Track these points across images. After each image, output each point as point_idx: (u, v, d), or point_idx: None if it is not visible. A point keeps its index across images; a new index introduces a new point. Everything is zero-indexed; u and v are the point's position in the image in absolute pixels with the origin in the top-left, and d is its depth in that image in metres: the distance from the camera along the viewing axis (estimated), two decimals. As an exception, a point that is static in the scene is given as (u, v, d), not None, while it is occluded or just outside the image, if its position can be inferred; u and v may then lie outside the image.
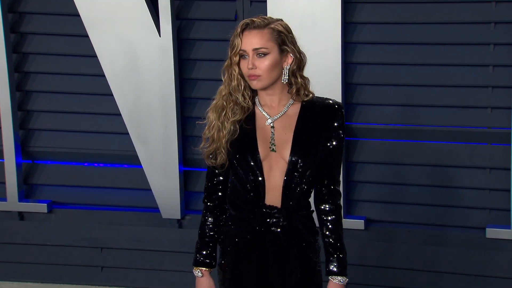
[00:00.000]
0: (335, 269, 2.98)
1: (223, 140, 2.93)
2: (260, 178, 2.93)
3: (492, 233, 4.49)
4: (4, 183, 5.01)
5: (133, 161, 4.87)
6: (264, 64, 2.87)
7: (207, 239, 3.07)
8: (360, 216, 4.68)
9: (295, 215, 2.97)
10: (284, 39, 2.89)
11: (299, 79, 2.93)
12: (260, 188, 2.93)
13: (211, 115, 2.97)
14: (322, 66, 4.40)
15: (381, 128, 4.60)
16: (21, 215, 5.10)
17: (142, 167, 4.82)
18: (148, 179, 4.82)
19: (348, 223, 4.48)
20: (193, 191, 4.90)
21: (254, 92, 2.97)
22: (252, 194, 2.95)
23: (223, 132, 2.94)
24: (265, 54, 2.87)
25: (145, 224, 4.97)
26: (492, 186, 4.49)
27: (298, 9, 4.41)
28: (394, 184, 4.63)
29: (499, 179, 4.47)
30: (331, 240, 2.98)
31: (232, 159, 2.95)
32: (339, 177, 3.01)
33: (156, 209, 4.90)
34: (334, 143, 2.96)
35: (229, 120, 2.93)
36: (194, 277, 3.12)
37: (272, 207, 2.95)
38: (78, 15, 4.70)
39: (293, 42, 2.92)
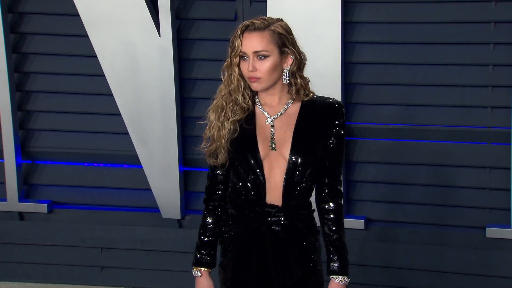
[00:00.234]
0: (336, 269, 2.98)
1: (223, 140, 2.94)
2: (260, 177, 2.93)
3: (492, 232, 4.48)
4: (4, 183, 5.00)
5: (133, 161, 4.87)
6: (264, 66, 2.87)
7: (207, 239, 3.07)
8: (360, 215, 4.68)
9: (295, 214, 2.97)
10: (284, 41, 2.89)
11: (299, 80, 2.94)
12: (260, 187, 2.94)
13: (211, 115, 2.97)
14: (321, 66, 4.40)
15: (381, 127, 4.60)
16: (21, 215, 5.09)
17: (142, 167, 4.82)
18: (148, 179, 4.82)
19: (348, 223, 4.48)
20: (193, 191, 4.90)
21: (254, 92, 2.97)
22: (252, 193, 2.95)
23: (223, 132, 2.94)
24: (265, 57, 2.87)
25: (145, 224, 4.97)
26: (492, 185, 4.49)
27: (298, 9, 4.41)
28: (394, 184, 4.63)
29: (499, 179, 4.47)
30: (332, 239, 2.98)
31: (232, 158, 2.96)
32: (340, 176, 3.00)
33: (156, 209, 4.90)
34: (334, 141, 2.96)
35: (229, 119, 2.94)
36: (194, 277, 3.12)
37: (272, 206, 2.95)
38: (78, 15, 4.69)
39: (293, 43, 2.92)
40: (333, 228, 2.99)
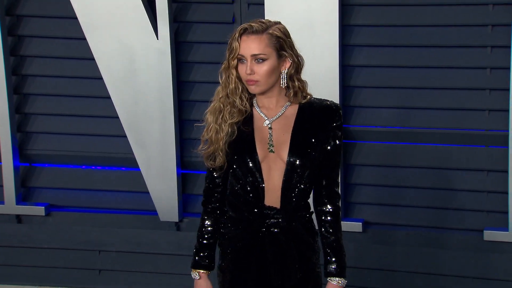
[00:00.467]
0: (333, 271, 2.98)
1: (221, 142, 2.94)
2: (259, 179, 2.93)
3: (490, 235, 4.49)
4: (1, 186, 5.00)
5: (131, 163, 4.87)
6: (262, 69, 2.88)
7: (205, 242, 3.08)
8: (358, 218, 4.68)
9: (294, 216, 2.97)
10: (282, 44, 2.89)
11: (296, 82, 2.95)
12: (259, 189, 2.94)
13: (209, 117, 2.98)
14: (319, 68, 4.40)
15: (378, 130, 4.61)
16: (18, 218, 5.09)
17: (140, 169, 4.82)
18: (146, 182, 4.82)
19: (346, 226, 4.48)
20: (191, 194, 4.90)
21: (251, 94, 2.98)
22: (251, 195, 2.95)
23: (221, 134, 2.94)
24: (263, 60, 2.88)
25: (143, 227, 4.97)
26: (490, 188, 4.50)
27: (296, 12, 4.42)
28: (392, 187, 4.64)
29: (496, 181, 4.47)
30: (330, 241, 2.99)
31: (230, 161, 2.96)
32: (338, 178, 3.01)
33: (154, 212, 4.90)
34: (332, 144, 2.96)
35: (226, 122, 2.94)
36: (192, 280, 3.12)
37: (271, 208, 2.96)
38: (76, 18, 4.69)
39: (291, 46, 2.92)
40: (331, 230, 3.00)
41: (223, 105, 2.95)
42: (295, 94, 2.96)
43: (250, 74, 2.87)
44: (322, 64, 4.43)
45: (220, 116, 2.95)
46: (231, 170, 2.98)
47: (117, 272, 5.01)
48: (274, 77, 2.91)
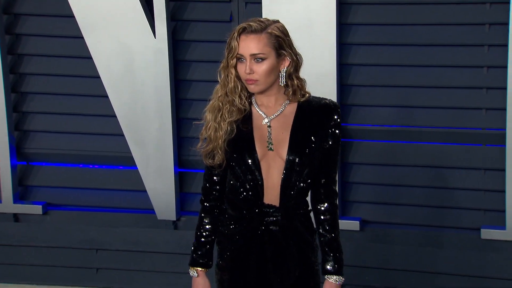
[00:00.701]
0: (331, 269, 2.99)
1: (220, 141, 2.95)
2: (258, 177, 2.94)
3: (487, 234, 4.49)
4: (-1, 184, 5.01)
5: (128, 162, 4.87)
6: (261, 69, 2.88)
7: (203, 239, 3.08)
8: (355, 217, 4.68)
9: (293, 214, 2.98)
10: (281, 43, 2.90)
11: (295, 81, 2.95)
12: (258, 187, 2.94)
13: (208, 116, 2.98)
14: (317, 67, 4.40)
15: (376, 129, 4.61)
16: (16, 216, 5.09)
17: (137, 168, 4.82)
18: (143, 181, 4.82)
19: (343, 224, 4.47)
20: (188, 193, 4.90)
21: (250, 93, 2.98)
22: (250, 193, 2.96)
23: (220, 133, 2.95)
24: (262, 59, 2.88)
25: (140, 226, 4.97)
26: (487, 187, 4.50)
27: (293, 11, 4.42)
28: (389, 185, 4.64)
29: (493, 180, 4.48)
30: (327, 239, 3.00)
31: (230, 159, 2.96)
32: (336, 176, 3.02)
33: (151, 211, 4.90)
34: (330, 142, 2.97)
35: (225, 120, 2.95)
36: (189, 279, 3.13)
37: (270, 206, 2.96)
38: (73, 17, 4.69)
39: (290, 45, 2.93)
40: (328, 228, 3.01)
41: (222, 104, 2.95)
42: (294, 92, 2.96)
43: (249, 73, 2.88)
44: (319, 62, 4.43)
45: (219, 115, 2.95)
46: (230, 168, 2.99)
47: (115, 271, 5.01)
48: (273, 76, 2.91)
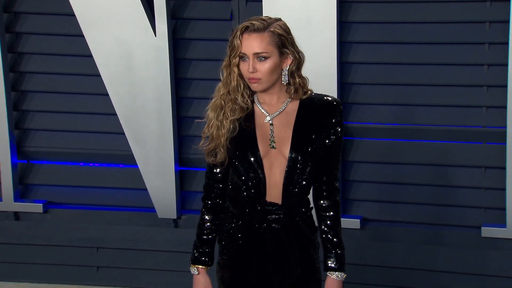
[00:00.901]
0: (333, 265, 2.99)
1: (223, 139, 2.95)
2: (261, 175, 2.94)
3: (487, 232, 4.50)
4: (-1, 183, 5.01)
5: (129, 161, 4.87)
6: (264, 67, 2.88)
7: (205, 237, 3.08)
8: (356, 215, 4.68)
9: (295, 211, 2.98)
10: (284, 41, 2.90)
11: (297, 79, 2.95)
12: (261, 185, 2.94)
13: (210, 114, 2.98)
14: (317, 65, 4.40)
15: (376, 127, 4.61)
16: (16, 215, 5.09)
17: (138, 167, 4.82)
18: (144, 179, 4.82)
19: (344, 222, 4.44)
20: (189, 191, 4.90)
21: (253, 91, 2.98)
22: (253, 191, 2.96)
23: (222, 131, 2.95)
24: (265, 58, 2.88)
25: (141, 224, 4.97)
26: (488, 185, 4.50)
27: (294, 9, 4.42)
28: (390, 183, 4.64)
29: (494, 178, 4.48)
30: (329, 236, 3.00)
31: (232, 157, 2.96)
32: (338, 173, 3.02)
33: (152, 209, 4.90)
34: (332, 139, 2.97)
35: (228, 119, 2.95)
36: (190, 277, 3.12)
37: (272, 204, 2.96)
38: (74, 15, 4.69)
39: (293, 43, 2.93)
40: (330, 224, 3.01)
41: (224, 102, 2.95)
42: (296, 90, 2.96)
43: (252, 72, 2.88)
44: (320, 61, 4.43)
45: (222, 113, 2.95)
46: (232, 166, 2.99)
47: (115, 269, 5.01)
48: (276, 75, 2.91)
